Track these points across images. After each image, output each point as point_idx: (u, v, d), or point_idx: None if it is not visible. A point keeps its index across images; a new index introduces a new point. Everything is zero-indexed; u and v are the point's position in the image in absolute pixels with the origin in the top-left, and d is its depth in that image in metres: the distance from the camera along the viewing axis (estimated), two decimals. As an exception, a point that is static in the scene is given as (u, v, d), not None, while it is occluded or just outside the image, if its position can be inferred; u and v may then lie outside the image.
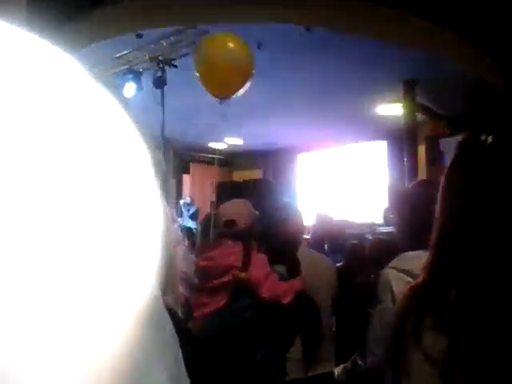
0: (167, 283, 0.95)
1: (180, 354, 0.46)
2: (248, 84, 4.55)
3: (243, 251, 2.40)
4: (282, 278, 2.45)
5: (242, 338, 2.25)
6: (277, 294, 2.31)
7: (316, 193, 10.43)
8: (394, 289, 2.15)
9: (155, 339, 0.41)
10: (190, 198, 10.30)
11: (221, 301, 2.28)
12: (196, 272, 2.54)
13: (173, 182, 10.19)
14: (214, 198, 11.28)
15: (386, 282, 2.19)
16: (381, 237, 4.57)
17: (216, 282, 2.33)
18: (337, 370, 2.56)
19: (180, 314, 1.04)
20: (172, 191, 9.84)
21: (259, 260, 2.42)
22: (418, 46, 6.04)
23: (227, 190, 9.59)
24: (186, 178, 11.64)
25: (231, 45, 4.62)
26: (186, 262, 0.89)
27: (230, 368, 2.17)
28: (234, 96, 4.61)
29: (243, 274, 2.31)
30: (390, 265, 2.25)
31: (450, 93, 7.34)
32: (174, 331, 0.46)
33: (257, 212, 2.64)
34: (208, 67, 4.60)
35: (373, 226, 7.11)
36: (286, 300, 2.33)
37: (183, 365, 0.45)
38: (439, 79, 6.90)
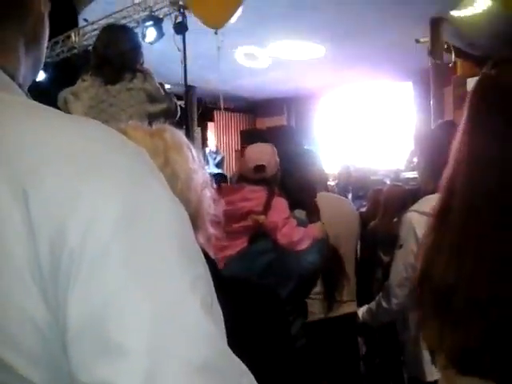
0: (196, 224, 0.99)
1: (212, 284, 0.49)
2: (240, 10, 4.43)
3: (267, 196, 2.39)
4: (302, 223, 2.44)
5: (264, 279, 2.28)
6: (293, 241, 2.32)
7: (340, 138, 10.34)
8: (417, 231, 2.17)
9: (190, 273, 0.47)
10: (216, 146, 10.33)
11: (241, 244, 2.30)
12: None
13: (197, 130, 10.19)
14: (238, 147, 11.35)
15: (410, 225, 2.20)
16: (398, 183, 4.57)
17: (236, 225, 2.33)
18: (361, 311, 2.62)
19: (211, 254, 1.09)
20: (197, 139, 9.86)
21: (279, 204, 2.40)
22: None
23: (251, 138, 9.57)
24: (210, 125, 11.62)
25: None
26: (215, 204, 0.93)
27: (257, 308, 2.23)
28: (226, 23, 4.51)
29: (262, 218, 2.31)
30: (411, 208, 2.26)
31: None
32: (206, 265, 0.50)
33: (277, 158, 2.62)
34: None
35: (397, 172, 7.07)
36: (302, 247, 2.33)
37: (215, 294, 0.49)
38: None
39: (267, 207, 2.35)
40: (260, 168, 2.47)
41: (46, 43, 0.65)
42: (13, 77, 0.57)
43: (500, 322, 0.87)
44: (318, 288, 2.67)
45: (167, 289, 0.45)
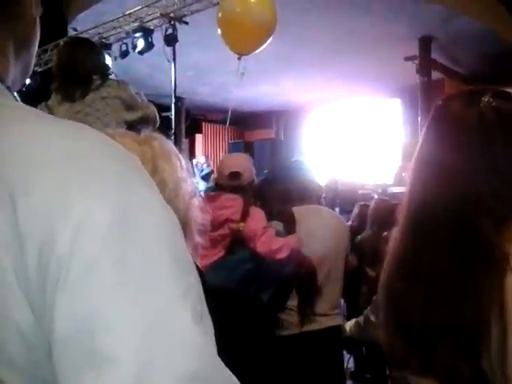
0: (184, 233, 0.98)
1: (202, 292, 0.48)
2: (269, 40, 4.46)
3: (243, 205, 2.38)
4: (279, 234, 2.44)
5: (243, 288, 2.27)
6: (272, 249, 2.32)
7: (328, 152, 10.39)
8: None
9: (181, 282, 0.46)
10: (205, 157, 10.31)
11: (218, 253, 2.29)
12: None
13: (185, 141, 10.18)
14: (226, 158, 11.37)
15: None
16: (385, 197, 4.59)
17: (213, 234, 2.29)
18: (348, 325, 2.60)
19: (198, 263, 1.08)
20: (185, 151, 9.85)
21: (257, 214, 2.40)
22: (437, 1, 5.91)
23: (239, 150, 9.59)
24: (198, 137, 11.63)
25: (254, 0, 4.50)
26: (202, 214, 0.91)
27: (242, 316, 2.23)
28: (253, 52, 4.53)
29: (241, 225, 2.31)
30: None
31: (467, 50, 7.20)
32: (196, 273, 0.49)
33: (253, 168, 2.61)
34: (231, 24, 4.51)
35: (385, 186, 7.11)
36: (281, 255, 2.33)
37: (205, 303, 0.48)
38: (455, 36, 6.76)
39: (245, 215, 2.35)
40: (235, 175, 2.47)
41: (36, 48, 0.65)
42: (2, 80, 0.57)
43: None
44: (294, 301, 2.67)
45: (157, 298, 0.44)
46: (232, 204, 2.39)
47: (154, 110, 2.80)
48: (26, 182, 0.44)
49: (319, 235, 2.71)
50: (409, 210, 0.98)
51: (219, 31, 4.54)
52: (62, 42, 6.99)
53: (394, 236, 1.03)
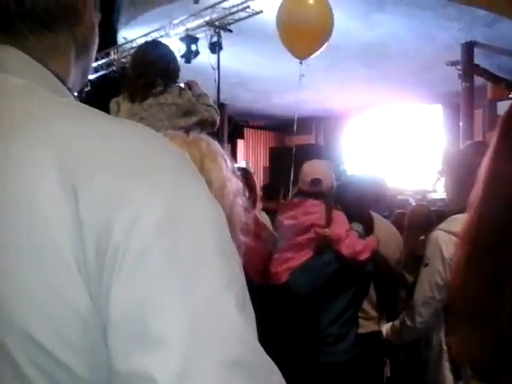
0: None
1: (245, 282, 0.52)
2: (326, 44, 4.54)
3: (326, 210, 2.52)
4: (360, 236, 2.56)
5: (327, 288, 2.42)
6: (355, 251, 2.43)
7: (367, 158, 10.32)
8: (444, 250, 2.19)
9: (227, 272, 0.49)
10: (246, 162, 10.39)
11: (305, 256, 2.43)
12: (280, 230, 2.68)
13: (227, 146, 10.30)
14: (267, 163, 11.41)
15: (436, 244, 2.22)
16: (423, 203, 4.54)
17: (300, 238, 2.48)
18: (385, 329, 2.63)
19: (242, 261, 1.09)
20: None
21: (340, 217, 2.53)
22: (481, 6, 5.84)
23: (280, 156, 9.63)
24: (240, 143, 11.73)
25: (312, 3, 4.57)
26: (246, 212, 0.94)
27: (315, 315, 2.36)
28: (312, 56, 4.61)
29: (326, 231, 2.44)
30: (438, 227, 2.28)
31: (510, 55, 7.07)
32: (240, 264, 0.53)
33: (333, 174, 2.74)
34: (289, 27, 4.58)
35: (424, 192, 7.03)
36: (364, 257, 2.45)
37: (247, 293, 0.51)
38: (499, 41, 6.66)
39: (329, 220, 2.48)
40: (316, 181, 2.61)
41: (95, 52, 0.68)
42: (63, 82, 0.60)
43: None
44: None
45: (204, 287, 0.47)
46: (316, 210, 2.53)
47: (212, 112, 2.88)
48: (87, 175, 0.48)
49: (385, 243, 2.78)
50: (486, 223, 1.00)
51: (279, 36, 4.59)
52: (112, 50, 7.25)
53: (467, 241, 1.05)
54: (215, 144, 1.12)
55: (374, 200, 2.92)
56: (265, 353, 0.49)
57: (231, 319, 0.47)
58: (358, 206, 2.77)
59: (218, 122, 2.91)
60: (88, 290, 0.47)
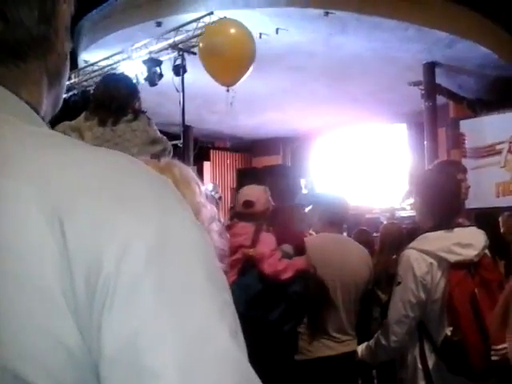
0: None
1: (235, 309, 0.51)
2: (251, 69, 4.59)
3: (254, 231, 2.56)
4: (287, 256, 2.57)
5: (254, 309, 2.40)
6: (277, 270, 2.44)
7: (335, 177, 10.43)
8: (415, 268, 2.19)
9: (218, 299, 0.49)
10: (213, 184, 10.37)
11: (232, 277, 2.42)
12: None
13: (193, 168, 10.23)
14: (233, 185, 11.43)
15: (408, 263, 2.22)
16: (394, 221, 4.60)
17: (229, 259, 2.45)
18: (360, 349, 2.61)
19: None
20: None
21: (267, 238, 2.57)
22: (441, 28, 6.00)
23: (247, 176, 9.64)
24: (206, 164, 11.72)
25: (233, 31, 4.63)
26: (222, 239, 0.92)
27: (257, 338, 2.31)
28: (239, 82, 4.66)
29: (251, 251, 2.49)
30: (410, 245, 2.29)
31: (470, 75, 7.28)
32: (229, 291, 0.52)
33: (271, 199, 2.79)
34: (210, 55, 4.65)
35: (392, 210, 7.13)
36: (285, 276, 2.46)
37: (238, 320, 0.51)
38: (458, 61, 6.85)
39: (255, 240, 2.54)
40: (248, 203, 2.69)
41: (66, 81, 0.68)
42: (37, 111, 0.60)
43: None
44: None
45: (198, 316, 0.47)
46: (245, 231, 2.58)
47: (169, 143, 3.01)
48: (72, 206, 0.47)
49: (337, 261, 2.77)
50: None
51: (203, 65, 4.66)
52: (73, 73, 7.17)
53: None
54: (188, 169, 1.12)
55: (329, 219, 2.93)
56: (258, 378, 0.49)
57: (225, 347, 0.46)
58: (289, 227, 2.83)
59: (172, 151, 3.05)
60: (77, 325, 0.45)
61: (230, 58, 4.52)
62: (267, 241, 2.56)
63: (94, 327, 0.45)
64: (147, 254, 0.46)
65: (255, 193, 2.77)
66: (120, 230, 0.47)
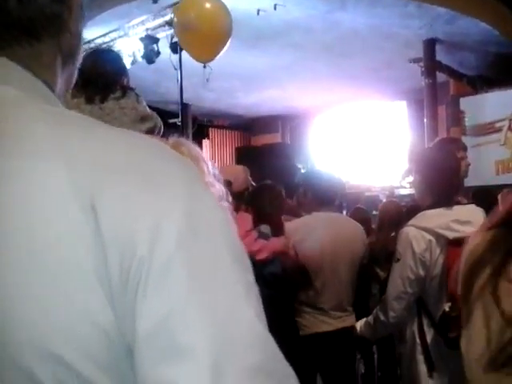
0: None
1: (257, 290, 0.53)
2: (228, 43, 4.50)
3: (230, 211, 2.55)
4: (264, 237, 2.58)
5: None
6: (252, 250, 2.43)
7: (334, 155, 10.41)
8: (414, 246, 2.21)
9: (244, 280, 0.51)
10: (212, 162, 10.34)
11: None
12: None
13: (193, 147, 10.22)
14: (233, 163, 11.39)
15: (407, 240, 2.24)
16: (393, 199, 4.61)
17: None
18: (359, 325, 2.64)
19: None
20: (191, 157, 9.86)
21: (243, 219, 2.56)
22: (442, 4, 5.93)
23: (246, 155, 9.62)
24: (205, 143, 11.68)
25: (208, 6, 4.49)
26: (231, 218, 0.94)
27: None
28: (216, 58, 4.57)
29: None
30: (409, 223, 2.30)
31: (471, 51, 7.22)
32: (252, 271, 0.54)
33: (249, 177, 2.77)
34: (186, 30, 4.52)
35: (391, 188, 7.14)
36: (261, 256, 2.47)
37: (260, 299, 0.52)
38: (459, 37, 6.78)
39: None
40: (226, 183, 2.68)
41: (79, 60, 0.68)
42: (53, 90, 0.60)
43: None
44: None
45: (226, 296, 0.48)
46: None
47: (159, 119, 2.95)
48: (103, 190, 0.48)
49: (330, 240, 2.77)
50: None
51: (178, 40, 4.56)
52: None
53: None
54: (196, 148, 1.10)
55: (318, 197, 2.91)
56: (284, 358, 0.50)
57: (253, 327, 0.48)
58: (268, 207, 2.81)
59: (162, 128, 2.98)
60: (112, 307, 0.47)
61: (205, 33, 4.38)
62: (243, 221, 2.54)
63: (128, 309, 0.47)
64: (178, 236, 0.47)
65: (233, 172, 2.79)
66: (151, 213, 0.48)
